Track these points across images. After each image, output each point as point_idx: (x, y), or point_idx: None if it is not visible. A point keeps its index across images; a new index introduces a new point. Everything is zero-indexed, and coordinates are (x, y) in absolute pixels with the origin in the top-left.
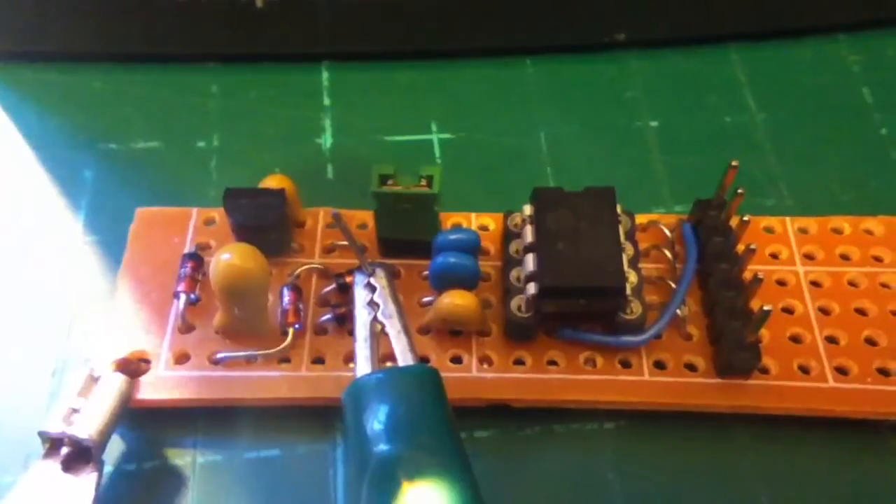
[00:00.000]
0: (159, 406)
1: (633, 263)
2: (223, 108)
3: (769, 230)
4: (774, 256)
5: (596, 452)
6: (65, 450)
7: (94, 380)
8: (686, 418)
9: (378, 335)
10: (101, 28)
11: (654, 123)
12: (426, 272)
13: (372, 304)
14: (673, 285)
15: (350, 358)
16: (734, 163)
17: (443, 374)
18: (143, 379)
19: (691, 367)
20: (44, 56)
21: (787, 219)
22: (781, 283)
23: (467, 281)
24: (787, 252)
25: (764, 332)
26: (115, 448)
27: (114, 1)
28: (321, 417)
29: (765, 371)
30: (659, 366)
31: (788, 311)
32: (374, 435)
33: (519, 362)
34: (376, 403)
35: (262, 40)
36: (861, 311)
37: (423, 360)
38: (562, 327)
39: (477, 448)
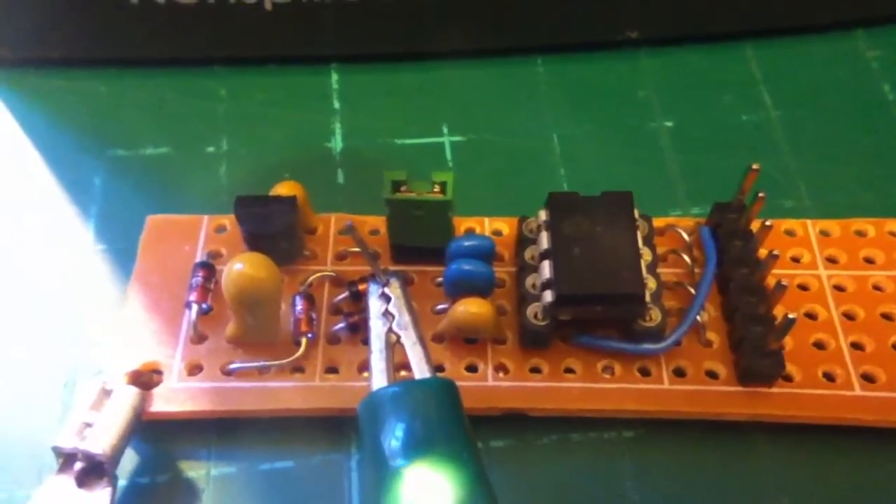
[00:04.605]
0: (172, 418)
1: (652, 269)
2: (232, 112)
3: (790, 233)
4: (796, 260)
5: (614, 462)
6: (78, 465)
7: (106, 393)
8: (707, 427)
9: (393, 346)
10: (108, 33)
11: (668, 123)
12: (440, 279)
13: (386, 315)
14: (692, 290)
15: (364, 367)
16: (755, 166)
17: (458, 383)
18: (156, 391)
19: (712, 375)
20: (51, 62)
21: (809, 221)
22: (803, 287)
23: (482, 288)
24: (809, 256)
25: (787, 339)
26: (129, 462)
27: (120, 5)
28: (335, 428)
29: (788, 378)
30: (679, 373)
31: (811, 316)
32: (390, 449)
33: (535, 370)
34: (393, 418)
35: (271, 43)
36: (887, 317)
37: (438, 368)
38: (579, 334)
39: (493, 458)
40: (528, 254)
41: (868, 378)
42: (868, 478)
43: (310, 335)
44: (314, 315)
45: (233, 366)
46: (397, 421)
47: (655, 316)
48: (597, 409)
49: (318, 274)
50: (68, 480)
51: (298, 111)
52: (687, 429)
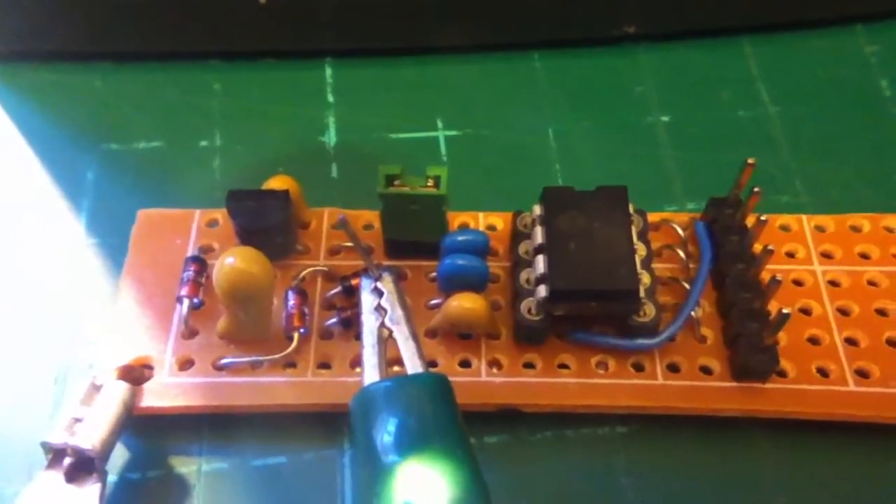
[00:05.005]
0: (163, 413)
1: (646, 264)
2: (226, 106)
3: (785, 228)
4: (791, 255)
5: (609, 457)
6: (68, 460)
7: (96, 388)
8: (701, 422)
9: (385, 341)
10: (102, 27)
11: (665, 118)
12: (433, 273)
13: (379, 310)
14: (686, 286)
15: (357, 362)
16: (751, 161)
17: (451, 379)
18: (147, 386)
19: (706, 371)
20: (44, 56)
21: (804, 216)
22: (798, 282)
23: (476, 283)
24: (804, 251)
25: (781, 334)
26: (119, 457)
27: (114, 0)
28: (328, 423)
29: (782, 374)
30: (673, 369)
31: (806, 311)
32: (383, 445)
33: (529, 366)
34: (385, 413)
35: (265, 37)
36: (882, 312)
37: (431, 364)
38: (573, 330)
39: (487, 454)
40: (522, 248)
41: (862, 374)
42: (866, 475)
43: (302, 330)
44: (307, 310)
45: (224, 361)
46: (390, 416)
47: (650, 311)
48: (591, 405)
49: (311, 269)
50: (57, 476)
51: (293, 106)
52: (681, 424)
